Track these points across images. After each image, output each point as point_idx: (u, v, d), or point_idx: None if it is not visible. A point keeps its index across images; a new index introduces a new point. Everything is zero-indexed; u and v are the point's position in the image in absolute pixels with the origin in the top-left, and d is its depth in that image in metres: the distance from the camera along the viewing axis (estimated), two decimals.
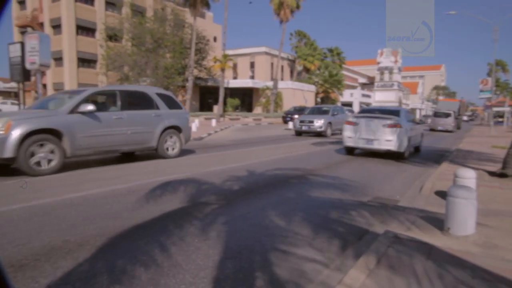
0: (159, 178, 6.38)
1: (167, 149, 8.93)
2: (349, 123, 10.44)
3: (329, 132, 17.96)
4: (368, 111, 12.13)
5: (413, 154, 11.13)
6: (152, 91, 9.15)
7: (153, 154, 9.14)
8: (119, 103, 7.94)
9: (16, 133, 6.05)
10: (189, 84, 34.17)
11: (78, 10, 38.84)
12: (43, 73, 11.09)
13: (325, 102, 45.88)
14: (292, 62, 51.19)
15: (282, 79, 46.04)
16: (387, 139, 9.55)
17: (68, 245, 3.22)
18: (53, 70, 35.00)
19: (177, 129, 9.12)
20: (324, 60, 49.05)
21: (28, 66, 10.90)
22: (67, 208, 4.40)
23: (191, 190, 5.54)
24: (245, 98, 42.66)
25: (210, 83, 39.73)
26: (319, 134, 17.85)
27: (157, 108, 8.71)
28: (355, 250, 3.34)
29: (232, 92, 41.07)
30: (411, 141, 10.23)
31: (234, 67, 44.58)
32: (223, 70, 34.81)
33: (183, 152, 9.63)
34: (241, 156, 10.16)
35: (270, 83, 39.70)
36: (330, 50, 52.58)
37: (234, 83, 41.24)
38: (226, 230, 3.78)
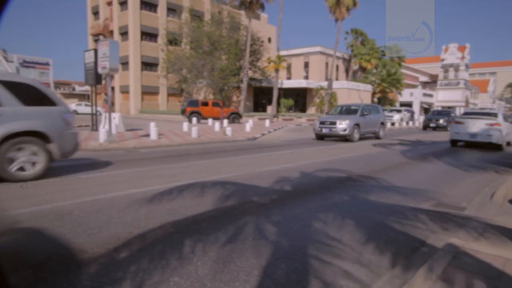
0: (213, 177, 6.60)
1: (13, 168, 5.77)
2: (457, 122, 13.63)
3: (356, 135, 15.21)
4: (471, 113, 14.71)
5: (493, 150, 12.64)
6: None
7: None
8: None
9: None
10: (244, 85, 34.78)
11: (142, 17, 41.45)
12: (112, 77, 12.03)
13: (382, 102, 43.98)
14: (347, 61, 49.82)
15: (337, 79, 45.01)
16: (489, 134, 12.43)
17: (132, 237, 3.47)
18: (120, 73, 37.71)
19: (40, 136, 6.09)
20: (381, 59, 46.98)
21: (100, 70, 11.90)
22: (129, 204, 4.74)
23: (243, 189, 5.66)
24: (299, 99, 42.39)
25: (264, 84, 40.09)
26: (344, 139, 15.24)
27: None
28: (407, 265, 3.07)
29: (286, 93, 41.08)
30: (506, 137, 12.91)
31: (288, 67, 44.52)
32: (277, 70, 34.95)
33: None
34: (294, 157, 10.13)
35: (324, 83, 38.98)
36: (388, 48, 50.25)
37: (288, 84, 41.18)
38: (278, 229, 3.81)
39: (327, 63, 45.15)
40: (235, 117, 28.24)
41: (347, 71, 49.80)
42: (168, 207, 4.51)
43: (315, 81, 41.70)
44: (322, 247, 3.36)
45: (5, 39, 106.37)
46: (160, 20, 42.72)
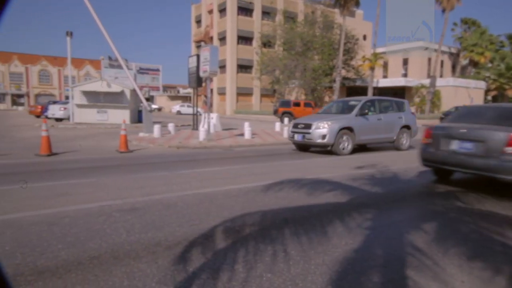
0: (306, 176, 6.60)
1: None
2: None
3: (344, 145, 10.16)
4: None
5: None
6: None
7: None
8: None
9: None
10: (336, 85, 33.94)
11: (239, 22, 43.61)
12: (211, 80, 12.93)
13: (498, 101, 38.31)
14: (454, 56, 44.70)
15: (441, 76, 40.78)
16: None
17: (228, 230, 3.70)
18: (218, 76, 40.32)
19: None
20: (499, 51, 40.91)
21: (201, 74, 12.92)
22: (225, 198, 5.05)
23: (342, 190, 5.53)
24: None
25: (358, 83, 38.52)
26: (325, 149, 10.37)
27: None
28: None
29: (381, 92, 38.74)
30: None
31: (385, 65, 41.95)
32: (372, 69, 33.25)
33: None
34: (389, 159, 9.51)
35: (426, 81, 35.68)
36: (509, 37, 43.46)
37: (384, 82, 38.82)
38: (373, 235, 3.64)
39: (429, 59, 41.18)
40: None
41: (453, 66, 44.73)
42: (261, 204, 4.67)
43: (415, 79, 38.44)
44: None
45: (127, 50, 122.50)
46: (255, 23, 44.37)
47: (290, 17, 41.83)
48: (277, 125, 18.72)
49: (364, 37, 46.81)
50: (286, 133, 14.64)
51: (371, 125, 10.79)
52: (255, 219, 4.07)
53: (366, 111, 10.93)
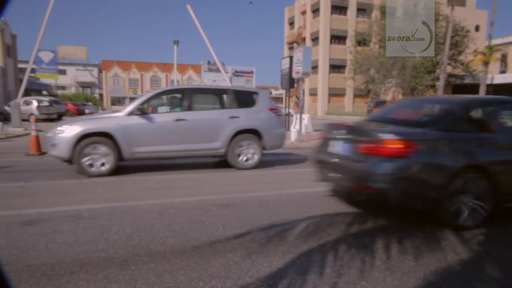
0: None
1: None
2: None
3: (90, 163, 6.39)
4: None
5: None
6: None
7: None
8: None
9: None
10: (440, 83, 30.73)
11: (333, 21, 42.73)
12: (303, 81, 12.95)
13: None
14: None
15: None
16: None
17: (318, 230, 3.66)
18: (310, 77, 40.14)
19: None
20: None
21: (294, 75, 13.05)
22: (316, 199, 5.00)
23: None
24: None
25: (467, 81, 34.26)
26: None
27: None
28: None
29: (497, 89, 33.71)
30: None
31: (503, 58, 36.45)
32: (486, 63, 29.22)
33: None
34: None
35: None
36: None
37: (501, 79, 33.72)
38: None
39: None
40: None
41: None
42: (358, 207, 4.51)
43: None
44: None
45: (223, 54, 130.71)
46: (350, 22, 42.92)
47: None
48: None
49: (477, 28, 41.40)
50: None
51: (159, 129, 7.00)
52: (346, 222, 3.95)
53: (149, 107, 7.61)
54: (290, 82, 15.95)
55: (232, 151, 7.33)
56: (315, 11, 44.71)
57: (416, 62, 32.96)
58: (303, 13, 48.29)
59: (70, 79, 64.13)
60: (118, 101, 66.93)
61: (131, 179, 6.40)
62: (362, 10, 42.95)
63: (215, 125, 7.32)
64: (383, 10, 39.27)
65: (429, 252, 3.19)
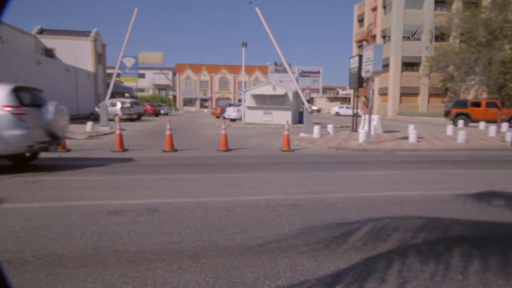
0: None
1: None
2: None
3: None
4: None
5: None
6: None
7: None
8: None
9: None
10: None
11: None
12: (373, 80, 12.41)
13: None
14: None
15: None
16: None
17: (389, 236, 3.48)
18: (379, 76, 38.29)
19: None
20: None
21: (363, 74, 12.57)
22: (387, 204, 4.75)
23: None
24: None
25: None
26: None
27: None
28: None
29: None
30: None
31: None
32: None
33: None
34: None
35: None
36: None
37: None
38: None
39: None
40: None
41: None
42: (430, 215, 4.20)
43: None
44: None
45: (290, 54, 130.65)
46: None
47: (471, 2, 35.77)
48: (449, 128, 16.35)
49: None
50: (461, 138, 12.63)
51: None
52: (418, 229, 3.69)
53: None
54: (359, 82, 15.39)
55: None
56: (387, 6, 42.39)
57: (505, 57, 29.50)
58: (374, 9, 46.13)
59: (148, 82, 69.67)
60: (189, 102, 70.94)
61: (202, 177, 6.75)
62: (441, 2, 39.64)
63: None
64: (465, 1, 35.87)
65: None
